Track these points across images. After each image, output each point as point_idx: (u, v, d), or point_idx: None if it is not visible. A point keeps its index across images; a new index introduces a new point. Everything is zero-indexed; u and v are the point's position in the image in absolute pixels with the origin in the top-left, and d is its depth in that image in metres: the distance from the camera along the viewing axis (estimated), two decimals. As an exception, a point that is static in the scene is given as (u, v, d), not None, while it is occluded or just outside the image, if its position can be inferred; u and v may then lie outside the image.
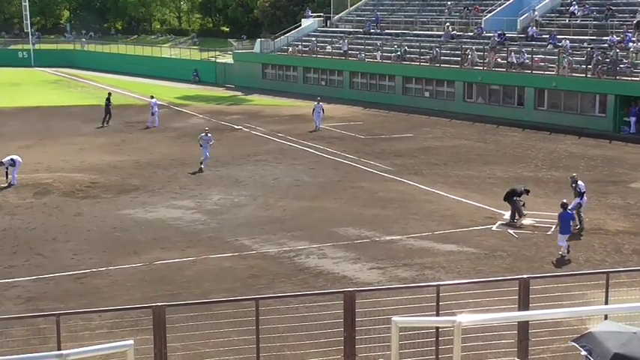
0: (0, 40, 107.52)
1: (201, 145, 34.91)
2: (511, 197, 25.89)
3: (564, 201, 23.25)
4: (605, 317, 9.59)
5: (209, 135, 35.21)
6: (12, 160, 31.69)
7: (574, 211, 24.05)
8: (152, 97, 49.03)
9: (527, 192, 26.31)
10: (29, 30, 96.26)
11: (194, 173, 33.73)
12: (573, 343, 4.71)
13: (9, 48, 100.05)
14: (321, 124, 45.97)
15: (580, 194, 24.98)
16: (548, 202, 28.24)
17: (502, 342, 14.03)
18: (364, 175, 33.43)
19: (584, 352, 4.77)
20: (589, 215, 26.42)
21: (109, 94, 50.38)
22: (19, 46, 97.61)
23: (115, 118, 49.23)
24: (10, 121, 49.48)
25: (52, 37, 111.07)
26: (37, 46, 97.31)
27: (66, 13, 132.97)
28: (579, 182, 25.32)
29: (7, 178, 31.53)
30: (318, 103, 46.38)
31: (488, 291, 15.89)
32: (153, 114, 47.52)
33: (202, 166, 34.33)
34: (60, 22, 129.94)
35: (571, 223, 22.88)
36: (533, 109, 47.74)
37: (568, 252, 22.22)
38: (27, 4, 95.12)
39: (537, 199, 28.69)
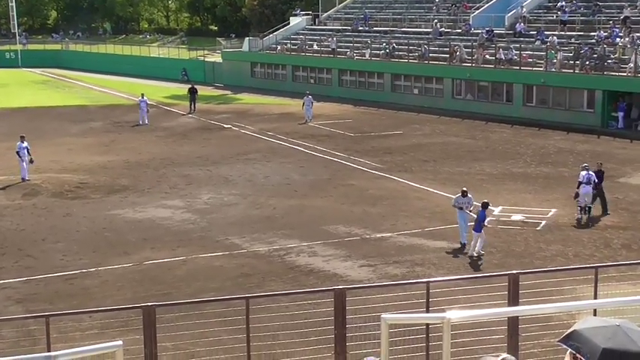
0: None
1: (459, 208, 23.55)
2: (600, 185, 26.00)
3: (485, 201, 23.13)
4: (595, 312, 9.62)
5: (469, 200, 23.56)
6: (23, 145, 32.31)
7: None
8: (142, 96, 48.90)
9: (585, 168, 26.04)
10: (16, 30, 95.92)
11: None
12: (559, 343, 4.73)
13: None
14: (312, 117, 46.63)
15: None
16: (537, 197, 28.37)
17: (492, 337, 14.06)
18: (354, 173, 33.45)
19: (572, 351, 4.77)
20: (577, 211, 26.51)
21: (193, 86, 54.71)
22: (6, 47, 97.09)
23: (104, 118, 49.13)
24: (-2, 122, 49.28)
25: (40, 37, 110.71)
26: (24, 47, 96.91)
27: (53, 14, 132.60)
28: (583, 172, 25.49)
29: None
30: (308, 97, 47.20)
31: (479, 287, 15.94)
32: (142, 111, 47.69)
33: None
34: (47, 22, 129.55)
35: (485, 224, 22.47)
36: (521, 105, 47.82)
37: (475, 252, 22.24)
38: (14, 4, 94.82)
39: (527, 194, 28.82)
